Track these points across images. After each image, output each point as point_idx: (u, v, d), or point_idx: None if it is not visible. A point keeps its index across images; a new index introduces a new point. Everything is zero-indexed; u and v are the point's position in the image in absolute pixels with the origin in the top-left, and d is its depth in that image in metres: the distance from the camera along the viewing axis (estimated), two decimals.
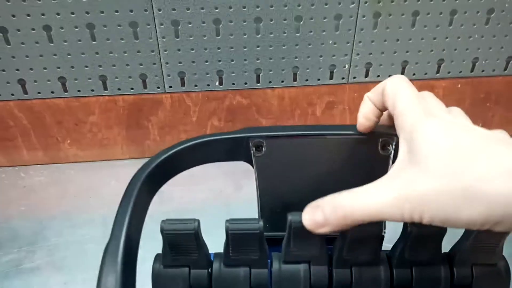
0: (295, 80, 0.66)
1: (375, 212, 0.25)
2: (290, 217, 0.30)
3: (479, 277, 0.32)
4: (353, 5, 0.61)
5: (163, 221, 0.31)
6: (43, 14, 0.56)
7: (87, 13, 0.56)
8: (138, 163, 0.33)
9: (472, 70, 0.69)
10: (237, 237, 0.31)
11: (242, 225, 0.31)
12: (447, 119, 0.26)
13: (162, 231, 0.30)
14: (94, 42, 0.59)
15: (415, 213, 0.23)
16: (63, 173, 0.66)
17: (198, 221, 0.31)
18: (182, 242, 0.31)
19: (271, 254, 0.33)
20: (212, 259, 0.33)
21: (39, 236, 0.55)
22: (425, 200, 0.23)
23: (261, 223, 0.30)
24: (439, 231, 0.30)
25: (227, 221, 0.31)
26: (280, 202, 0.36)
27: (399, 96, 0.28)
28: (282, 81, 0.66)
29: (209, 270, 0.33)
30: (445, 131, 0.24)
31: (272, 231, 0.35)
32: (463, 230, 0.32)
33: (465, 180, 0.22)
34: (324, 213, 0.27)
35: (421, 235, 0.30)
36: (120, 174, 0.66)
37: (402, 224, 0.32)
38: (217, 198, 0.62)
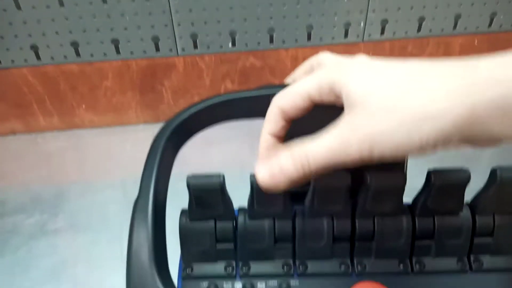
0: (309, 39, 0.65)
1: (326, 155, 0.24)
2: (314, 179, 0.30)
3: (500, 226, 0.32)
4: None
5: (189, 176, 0.31)
6: None
7: None
8: (153, 128, 0.33)
9: (489, 25, 0.67)
10: (261, 190, 0.31)
11: None
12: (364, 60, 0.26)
13: (188, 186, 0.31)
14: (106, 5, 0.58)
15: (363, 151, 0.23)
16: (80, 139, 0.67)
17: (223, 175, 0.31)
18: (208, 196, 0.32)
19: (295, 208, 0.33)
20: (236, 214, 0.34)
21: (61, 199, 0.56)
22: (371, 136, 0.23)
23: None
24: (462, 180, 0.30)
25: (252, 175, 0.31)
26: None
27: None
28: (296, 41, 0.65)
29: (234, 222, 0.33)
30: (370, 68, 0.25)
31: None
32: (485, 181, 0.32)
33: (408, 108, 0.22)
34: (281, 166, 0.25)
35: (444, 185, 0.30)
36: (136, 138, 0.66)
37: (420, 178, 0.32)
38: (233, 160, 0.62)
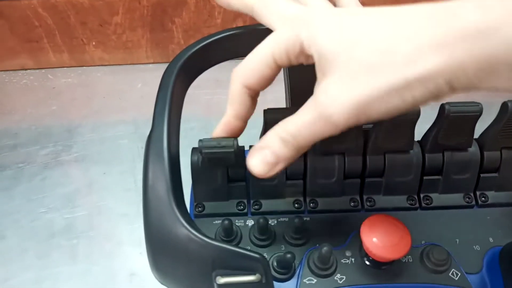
0: None
1: (309, 131, 0.23)
2: None
3: (507, 161, 0.32)
4: None
5: (201, 141, 0.30)
6: None
7: None
8: (163, 68, 0.32)
9: None
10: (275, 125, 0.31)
11: (280, 115, 0.31)
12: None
13: (200, 151, 0.30)
14: None
15: (349, 119, 0.21)
16: (90, 76, 0.66)
17: (237, 140, 0.31)
18: (221, 161, 0.31)
19: None
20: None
21: (73, 133, 0.57)
22: (355, 103, 0.21)
23: None
24: (475, 112, 0.30)
25: (265, 110, 0.32)
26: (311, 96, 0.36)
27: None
28: None
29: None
30: (338, 19, 0.22)
31: None
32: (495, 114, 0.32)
33: (395, 67, 0.20)
34: (273, 151, 0.24)
35: (457, 116, 0.30)
36: (146, 77, 0.66)
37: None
38: None
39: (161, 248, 0.28)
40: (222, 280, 0.26)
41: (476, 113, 0.30)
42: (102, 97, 0.63)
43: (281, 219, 0.34)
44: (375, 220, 0.28)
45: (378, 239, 0.27)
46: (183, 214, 0.27)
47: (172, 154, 0.29)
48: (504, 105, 0.31)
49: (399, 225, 0.28)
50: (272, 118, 0.31)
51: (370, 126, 0.32)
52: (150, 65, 0.69)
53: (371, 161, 0.33)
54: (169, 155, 0.29)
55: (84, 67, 0.68)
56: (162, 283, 0.30)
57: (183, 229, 0.26)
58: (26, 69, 0.68)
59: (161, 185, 0.28)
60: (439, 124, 0.31)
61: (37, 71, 0.68)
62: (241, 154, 0.31)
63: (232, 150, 0.28)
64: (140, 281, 0.44)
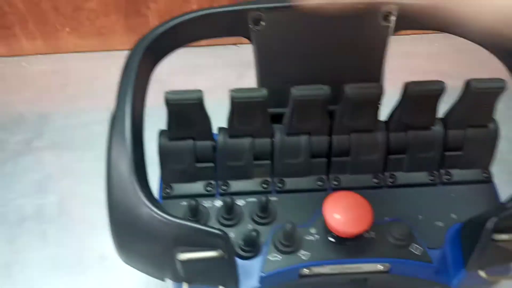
0: None
1: None
2: (293, 91, 0.30)
3: (471, 139, 0.33)
4: None
5: (167, 91, 0.31)
6: None
7: None
8: None
9: None
10: (241, 105, 0.31)
11: (247, 93, 0.31)
12: None
13: (167, 101, 0.31)
14: None
15: None
16: (64, 63, 0.66)
17: (202, 91, 0.31)
18: (186, 112, 0.32)
19: (273, 127, 0.34)
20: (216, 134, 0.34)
21: (46, 119, 0.56)
22: None
23: (265, 90, 0.31)
24: (437, 90, 0.30)
25: (231, 90, 0.32)
26: (280, 78, 0.35)
27: None
28: None
29: (214, 142, 0.34)
30: None
31: (272, 107, 0.36)
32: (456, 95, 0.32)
33: None
34: None
35: (420, 94, 0.30)
36: (121, 63, 0.65)
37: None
38: (219, 87, 0.61)
39: (123, 227, 0.28)
40: (183, 256, 0.26)
41: (438, 91, 0.30)
42: (77, 83, 0.62)
43: (249, 199, 0.34)
44: (338, 197, 0.29)
45: (339, 215, 0.28)
46: (146, 192, 0.27)
47: (135, 134, 0.29)
48: (467, 84, 0.31)
49: (361, 200, 0.28)
50: (237, 97, 0.31)
51: (336, 106, 0.33)
52: (125, 51, 0.68)
53: (337, 141, 0.33)
54: (133, 135, 0.29)
55: (59, 54, 0.67)
56: (126, 263, 0.30)
57: (145, 207, 0.26)
58: None
59: (124, 164, 0.28)
60: (402, 103, 0.31)
61: (10, 58, 0.66)
62: (207, 120, 0.32)
63: (197, 101, 0.30)
64: (110, 263, 0.44)
